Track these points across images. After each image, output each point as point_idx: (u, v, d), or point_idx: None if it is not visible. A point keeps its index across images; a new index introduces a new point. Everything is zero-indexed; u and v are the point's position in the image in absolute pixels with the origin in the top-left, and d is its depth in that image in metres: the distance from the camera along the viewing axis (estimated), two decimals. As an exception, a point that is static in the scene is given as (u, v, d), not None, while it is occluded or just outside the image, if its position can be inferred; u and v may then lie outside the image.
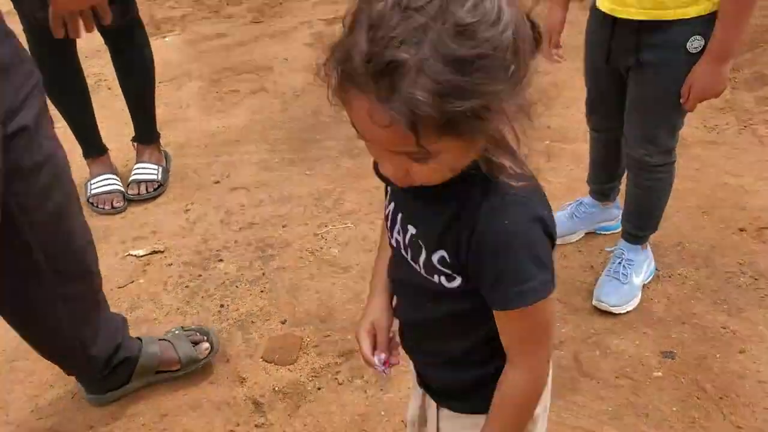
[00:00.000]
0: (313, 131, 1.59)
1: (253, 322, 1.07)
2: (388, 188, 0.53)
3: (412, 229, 0.49)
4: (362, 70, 0.33)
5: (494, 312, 0.45)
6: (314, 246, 1.21)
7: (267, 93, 1.77)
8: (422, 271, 0.48)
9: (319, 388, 0.95)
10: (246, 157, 1.50)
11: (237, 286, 1.14)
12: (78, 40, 1.13)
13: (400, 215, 0.51)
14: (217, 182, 1.38)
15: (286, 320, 1.07)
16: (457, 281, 0.46)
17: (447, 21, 0.32)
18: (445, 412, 0.62)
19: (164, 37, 2.04)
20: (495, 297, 0.44)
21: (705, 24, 0.89)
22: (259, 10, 2.26)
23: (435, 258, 0.47)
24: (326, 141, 1.52)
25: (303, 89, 1.78)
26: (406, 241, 0.50)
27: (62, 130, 1.36)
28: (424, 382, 0.62)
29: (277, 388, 0.95)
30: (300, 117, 1.67)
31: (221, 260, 1.19)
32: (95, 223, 1.28)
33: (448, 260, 0.45)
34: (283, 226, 1.26)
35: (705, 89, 0.92)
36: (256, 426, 0.91)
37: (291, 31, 2.11)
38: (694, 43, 0.90)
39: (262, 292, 1.12)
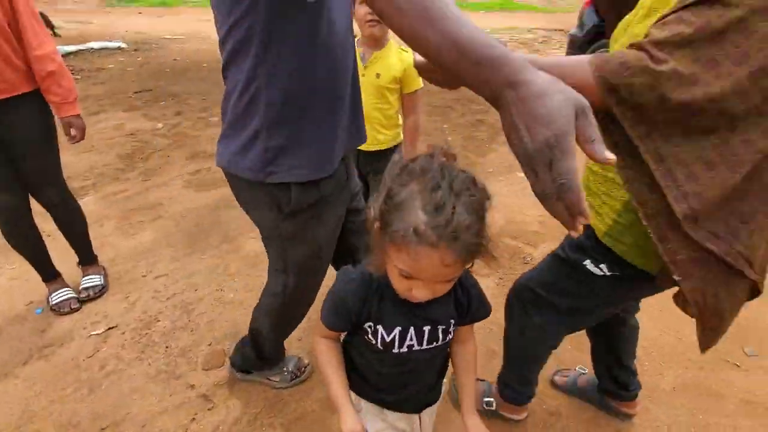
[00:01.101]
0: (198, 234, 2.35)
1: (190, 349, 1.64)
2: (378, 327, 0.71)
3: (426, 328, 0.72)
4: (433, 234, 0.53)
5: (465, 325, 0.78)
6: (218, 295, 1.93)
7: (163, 218, 2.51)
8: (441, 343, 0.74)
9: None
10: (159, 257, 2.15)
11: (174, 333, 1.74)
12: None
13: (411, 329, 0.71)
14: (144, 276, 2.01)
15: (211, 342, 1.69)
16: (453, 327, 0.75)
17: (472, 195, 0.57)
18: (427, 410, 0.87)
19: (82, 198, 2.64)
20: (479, 315, 0.78)
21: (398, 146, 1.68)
22: (146, 172, 3.05)
23: (451, 326, 0.74)
24: (208, 238, 2.32)
25: (186, 214, 2.55)
26: (425, 339, 0.72)
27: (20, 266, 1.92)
28: (416, 408, 0.85)
29: (216, 383, 1.50)
30: (187, 228, 2.40)
31: (159, 320, 1.78)
32: (60, 322, 1.75)
33: (455, 320, 0.75)
34: (195, 290, 1.95)
35: None
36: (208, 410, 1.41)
37: (170, 181, 2.94)
38: (396, 157, 1.63)
39: (192, 331, 1.73)
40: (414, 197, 0.56)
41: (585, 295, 0.97)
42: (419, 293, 0.62)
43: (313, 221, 1.00)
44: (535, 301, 1.07)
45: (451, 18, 0.48)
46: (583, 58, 0.60)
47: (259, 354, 1.40)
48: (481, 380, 1.44)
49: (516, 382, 1.27)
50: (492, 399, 1.36)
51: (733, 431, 1.36)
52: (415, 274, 0.59)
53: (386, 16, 0.53)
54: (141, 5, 11.83)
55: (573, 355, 1.62)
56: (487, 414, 1.36)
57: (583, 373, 1.50)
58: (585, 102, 0.43)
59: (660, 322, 1.77)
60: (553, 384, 1.51)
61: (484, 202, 0.59)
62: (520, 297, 1.13)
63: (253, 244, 2.27)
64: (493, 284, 2.01)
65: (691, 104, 0.54)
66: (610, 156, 0.42)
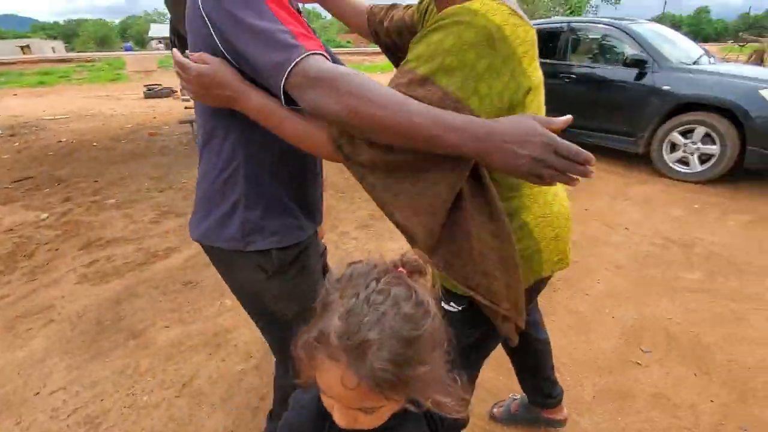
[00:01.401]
0: (99, 334, 2.07)
1: None
2: None
3: None
4: (337, 344, 0.46)
5: None
6: (130, 401, 1.69)
7: (55, 322, 2.20)
8: None
9: None
10: (54, 368, 1.86)
11: None
12: None
13: None
14: (37, 393, 1.71)
15: None
16: None
17: (398, 312, 0.48)
18: None
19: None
20: (457, 426, 0.67)
21: None
22: (31, 271, 2.70)
23: None
24: (112, 337, 2.05)
25: (83, 313, 2.25)
26: None
27: None
28: None
29: None
30: (86, 329, 2.11)
31: None
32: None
33: None
34: (101, 400, 1.70)
35: None
36: None
37: (61, 277, 2.63)
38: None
39: None
40: (336, 302, 0.50)
41: (460, 333, 1.01)
42: (337, 417, 0.53)
43: (298, 276, 1.02)
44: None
45: (425, 105, 0.64)
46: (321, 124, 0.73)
47: None
48: None
49: None
50: None
51: (648, 425, 1.52)
52: (325, 389, 0.51)
53: (362, 113, 0.64)
54: (15, 86, 10.85)
55: (505, 384, 1.70)
56: None
57: (515, 399, 1.58)
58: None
59: (569, 335, 1.96)
60: (492, 417, 1.57)
61: (419, 323, 0.49)
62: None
63: (165, 334, 2.08)
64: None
65: (392, 163, 0.69)
66: (568, 116, 0.64)
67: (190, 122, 5.93)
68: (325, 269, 1.29)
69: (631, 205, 3.57)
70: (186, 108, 8.72)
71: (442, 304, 0.97)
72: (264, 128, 0.86)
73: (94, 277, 2.62)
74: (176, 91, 13.83)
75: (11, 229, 3.30)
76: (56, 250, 2.99)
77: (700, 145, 3.92)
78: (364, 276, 0.52)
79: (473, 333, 0.98)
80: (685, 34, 5.66)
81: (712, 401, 1.61)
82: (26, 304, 2.35)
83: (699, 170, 3.97)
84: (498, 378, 1.73)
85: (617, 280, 2.45)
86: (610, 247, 2.84)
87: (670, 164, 4.14)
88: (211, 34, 0.76)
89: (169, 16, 6.05)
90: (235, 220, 0.94)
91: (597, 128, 4.62)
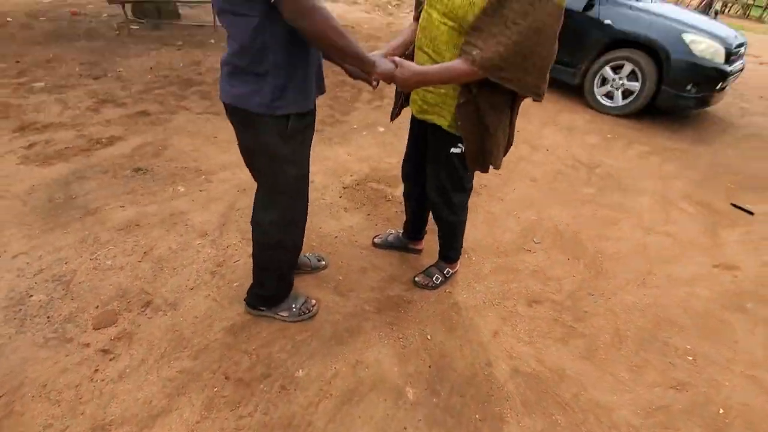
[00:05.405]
0: (54, 210, 2.08)
1: (76, 315, 1.74)
2: None
3: None
4: None
5: None
6: (94, 264, 1.87)
7: (5, 198, 2.15)
8: None
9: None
10: (11, 238, 1.89)
11: (52, 304, 1.66)
12: None
13: None
14: (-1, 257, 1.89)
15: (98, 306, 1.74)
16: None
17: None
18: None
19: None
20: None
21: None
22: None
23: None
24: (68, 213, 2.13)
25: (33, 191, 2.12)
26: None
27: None
28: None
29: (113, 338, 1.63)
30: (39, 206, 2.00)
31: (31, 296, 1.68)
32: None
33: None
34: (66, 263, 1.85)
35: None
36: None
37: (0, 158, 2.57)
38: None
39: (73, 299, 1.75)
40: None
41: (462, 165, 1.53)
42: None
43: (301, 145, 1.30)
44: (446, 192, 1.62)
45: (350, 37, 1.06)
46: (457, 61, 1.23)
47: (264, 291, 1.64)
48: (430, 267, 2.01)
49: (458, 247, 1.93)
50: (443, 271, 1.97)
51: (525, 289, 2.01)
52: None
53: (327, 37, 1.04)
54: None
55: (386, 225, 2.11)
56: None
57: (392, 233, 2.16)
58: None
59: (481, 229, 2.38)
60: (374, 244, 2.14)
61: None
62: (438, 197, 1.65)
63: (121, 213, 2.23)
64: (363, 218, 2.39)
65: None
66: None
67: (122, 3, 5.33)
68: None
69: (557, 130, 3.98)
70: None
71: (452, 150, 1.47)
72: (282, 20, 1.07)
73: (37, 159, 2.61)
74: (97, -37, 11.83)
75: (-74, 105, 3.05)
76: (-14, 130, 2.86)
77: (625, 81, 4.33)
78: None
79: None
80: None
81: (574, 276, 2.14)
82: (-34, 180, 2.34)
83: (621, 104, 4.42)
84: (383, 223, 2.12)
85: (529, 191, 2.89)
86: (530, 164, 3.26)
87: (598, 97, 4.55)
88: None
89: None
90: (265, 88, 1.14)
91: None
